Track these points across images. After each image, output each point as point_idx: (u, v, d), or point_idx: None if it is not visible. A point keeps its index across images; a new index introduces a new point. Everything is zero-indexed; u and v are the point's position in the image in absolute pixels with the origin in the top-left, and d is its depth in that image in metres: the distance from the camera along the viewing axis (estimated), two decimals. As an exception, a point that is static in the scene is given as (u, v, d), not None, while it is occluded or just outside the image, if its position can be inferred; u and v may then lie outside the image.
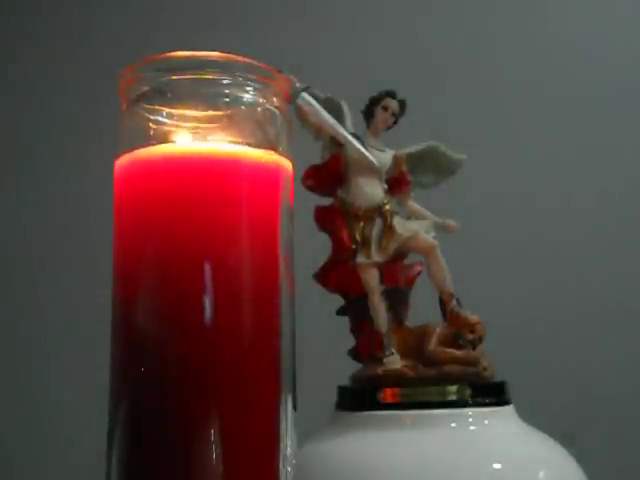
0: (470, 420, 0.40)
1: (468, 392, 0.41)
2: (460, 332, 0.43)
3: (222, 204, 0.28)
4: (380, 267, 0.44)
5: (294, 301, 0.30)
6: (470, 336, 0.43)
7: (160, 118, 0.30)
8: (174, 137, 0.30)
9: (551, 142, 0.76)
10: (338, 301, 0.45)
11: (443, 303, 0.45)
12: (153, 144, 0.30)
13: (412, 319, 0.46)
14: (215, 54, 0.30)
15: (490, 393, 0.42)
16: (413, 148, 0.47)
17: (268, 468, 0.28)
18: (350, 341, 0.45)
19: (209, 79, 0.30)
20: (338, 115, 0.44)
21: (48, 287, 0.76)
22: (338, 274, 0.44)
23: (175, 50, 0.30)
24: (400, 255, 0.45)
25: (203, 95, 0.30)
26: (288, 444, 0.29)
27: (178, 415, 0.27)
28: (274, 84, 0.31)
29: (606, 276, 0.73)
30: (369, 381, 0.43)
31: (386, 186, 0.45)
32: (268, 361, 0.29)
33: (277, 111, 0.31)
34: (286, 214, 0.30)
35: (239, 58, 0.30)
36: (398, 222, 0.44)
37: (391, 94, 0.45)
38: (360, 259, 0.43)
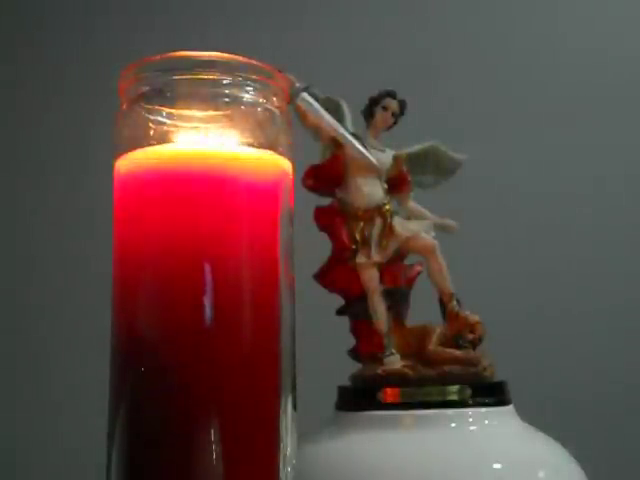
0: (470, 420, 0.40)
1: (468, 392, 0.41)
2: (460, 332, 0.43)
3: (221, 205, 0.28)
4: (380, 267, 0.44)
5: (294, 301, 0.30)
6: (470, 336, 0.43)
7: (160, 118, 0.30)
8: (174, 137, 0.30)
9: (551, 142, 0.76)
10: (338, 301, 0.45)
11: (443, 303, 0.45)
12: (153, 144, 0.30)
13: (412, 319, 0.46)
14: (215, 54, 0.30)
15: (490, 393, 0.42)
16: (413, 148, 0.47)
17: (268, 468, 0.28)
18: (350, 341, 0.45)
19: (209, 79, 0.30)
20: (338, 115, 0.44)
21: (48, 287, 0.76)
22: (338, 274, 0.44)
23: (175, 50, 0.30)
24: (400, 255, 0.45)
25: (203, 95, 0.30)
26: (288, 444, 0.29)
27: (178, 415, 0.27)
28: (274, 84, 0.31)
29: (606, 275, 0.73)
30: (369, 381, 0.43)
31: (386, 186, 0.45)
32: (268, 361, 0.29)
33: (277, 111, 0.31)
34: (286, 214, 0.30)
35: (239, 58, 0.30)
36: (398, 222, 0.44)
37: (391, 94, 0.45)
38: (360, 259, 0.43)
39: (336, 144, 0.44)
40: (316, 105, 0.42)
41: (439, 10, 0.80)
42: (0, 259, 0.77)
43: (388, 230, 0.44)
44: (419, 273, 0.46)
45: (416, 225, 0.45)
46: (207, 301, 0.27)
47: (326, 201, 0.45)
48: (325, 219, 0.45)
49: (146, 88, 0.30)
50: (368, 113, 0.46)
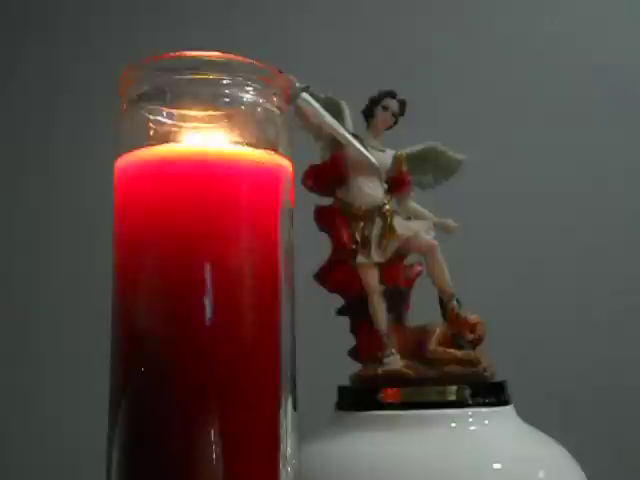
0: (470, 420, 0.40)
1: (468, 392, 0.41)
2: (460, 332, 0.43)
3: (222, 204, 0.28)
4: (380, 267, 0.44)
5: (294, 301, 0.30)
6: (470, 336, 0.43)
7: (160, 118, 0.30)
8: (174, 137, 0.30)
9: (551, 142, 0.76)
10: (338, 301, 0.45)
11: (443, 303, 0.45)
12: (153, 144, 0.30)
13: (412, 319, 0.46)
14: (215, 54, 0.30)
15: (490, 393, 0.42)
16: (413, 148, 0.47)
17: (268, 468, 0.28)
18: (350, 341, 0.45)
19: (209, 79, 0.30)
20: (338, 115, 0.44)
21: (48, 288, 0.76)
22: (338, 274, 0.44)
23: (175, 50, 0.30)
24: (400, 255, 0.45)
25: (203, 95, 0.30)
26: (288, 444, 0.29)
27: (178, 415, 0.27)
28: (274, 84, 0.31)
29: (606, 276, 0.73)
30: (369, 381, 0.43)
31: (386, 186, 0.45)
32: (268, 361, 0.29)
33: (277, 111, 0.31)
34: (286, 214, 0.30)
35: (239, 58, 0.30)
36: (398, 222, 0.44)
37: (391, 94, 0.45)
38: (360, 259, 0.43)
39: (336, 144, 0.44)
40: (316, 105, 0.42)
41: (439, 10, 0.80)
42: (1, 258, 0.77)
43: (388, 230, 0.44)
44: (419, 273, 0.46)
45: (416, 225, 0.45)
46: (207, 301, 0.27)
47: (326, 201, 0.45)
48: (325, 219, 0.45)
49: (146, 88, 0.30)
50: (368, 113, 0.46)
